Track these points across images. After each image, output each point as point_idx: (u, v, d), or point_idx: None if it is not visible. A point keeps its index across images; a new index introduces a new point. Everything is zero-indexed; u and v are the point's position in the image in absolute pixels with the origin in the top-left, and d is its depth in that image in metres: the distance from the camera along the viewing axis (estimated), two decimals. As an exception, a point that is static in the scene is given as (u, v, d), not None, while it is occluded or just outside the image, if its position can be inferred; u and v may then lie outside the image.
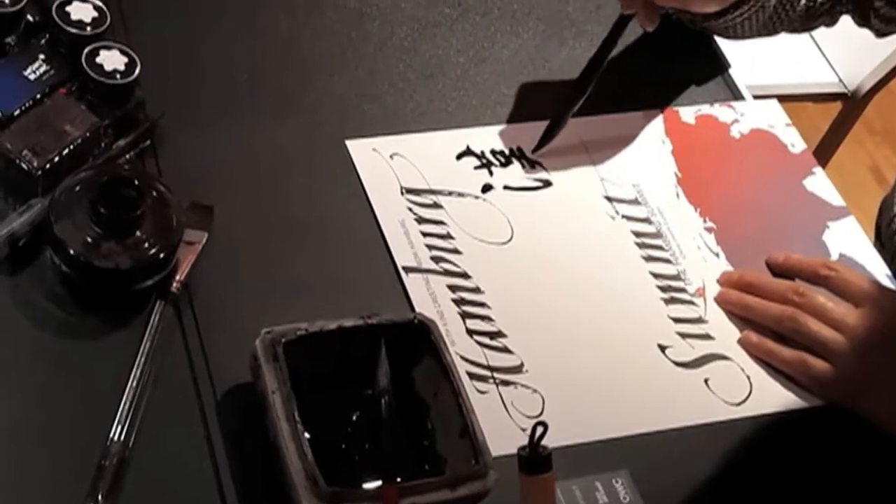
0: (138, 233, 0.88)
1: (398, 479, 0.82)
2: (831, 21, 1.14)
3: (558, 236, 1.01)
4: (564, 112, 1.04)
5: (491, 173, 1.03)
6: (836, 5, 1.11)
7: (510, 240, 1.00)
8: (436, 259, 0.97)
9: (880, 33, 1.14)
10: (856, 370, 0.94)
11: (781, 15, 1.08)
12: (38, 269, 0.89)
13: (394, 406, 0.86)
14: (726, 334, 0.98)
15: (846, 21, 1.14)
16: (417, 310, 0.93)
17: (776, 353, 0.96)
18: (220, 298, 0.91)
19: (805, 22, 1.11)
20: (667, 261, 1.02)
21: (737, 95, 1.14)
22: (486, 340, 0.93)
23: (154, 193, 0.90)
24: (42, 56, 0.95)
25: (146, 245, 0.88)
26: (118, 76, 0.93)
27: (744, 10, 1.04)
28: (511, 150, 1.05)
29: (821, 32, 1.18)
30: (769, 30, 1.10)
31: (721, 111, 1.13)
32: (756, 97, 1.15)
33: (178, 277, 0.89)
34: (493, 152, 1.05)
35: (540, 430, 0.76)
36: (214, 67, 1.05)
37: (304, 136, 1.02)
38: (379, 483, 0.82)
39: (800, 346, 0.96)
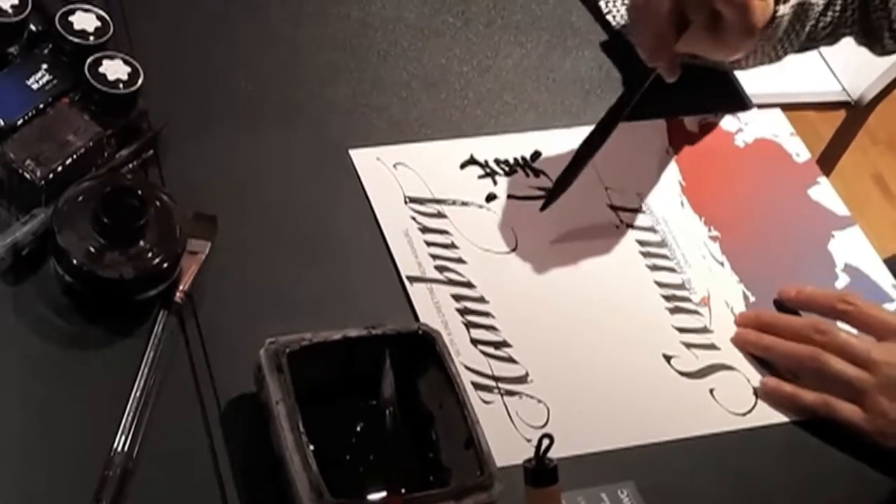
0: (141, 242, 0.88)
1: (403, 491, 0.82)
2: (833, 41, 1.14)
3: (562, 245, 1.00)
4: (575, 170, 1.00)
5: (495, 182, 1.03)
6: (840, 28, 1.11)
7: (514, 249, 0.99)
8: (440, 268, 0.96)
9: (885, 51, 1.14)
10: (884, 408, 0.92)
11: (785, 44, 1.07)
12: (42, 279, 0.89)
13: (398, 417, 0.86)
14: (731, 344, 0.98)
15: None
16: (422, 320, 0.92)
17: (798, 399, 0.94)
18: (223, 308, 0.90)
19: (806, 43, 1.11)
20: (671, 270, 1.01)
21: (741, 104, 1.14)
22: (491, 350, 0.93)
23: (157, 203, 0.89)
24: (45, 66, 0.95)
25: (149, 255, 0.88)
26: (121, 86, 0.93)
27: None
28: (515, 160, 1.05)
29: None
30: (771, 58, 1.09)
31: (725, 120, 1.13)
32: (760, 106, 1.15)
33: (181, 287, 0.89)
34: (497, 161, 1.05)
35: (546, 442, 0.76)
36: (217, 77, 1.05)
37: (307, 146, 1.02)
38: (384, 494, 0.82)
39: (823, 383, 0.94)
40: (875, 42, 1.12)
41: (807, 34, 1.08)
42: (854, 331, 0.96)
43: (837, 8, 1.09)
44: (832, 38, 1.13)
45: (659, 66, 0.99)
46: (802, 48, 1.11)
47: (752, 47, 1.00)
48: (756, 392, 0.95)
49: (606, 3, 1.17)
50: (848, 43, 1.16)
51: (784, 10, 1.02)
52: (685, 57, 1.02)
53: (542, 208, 1.00)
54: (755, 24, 0.95)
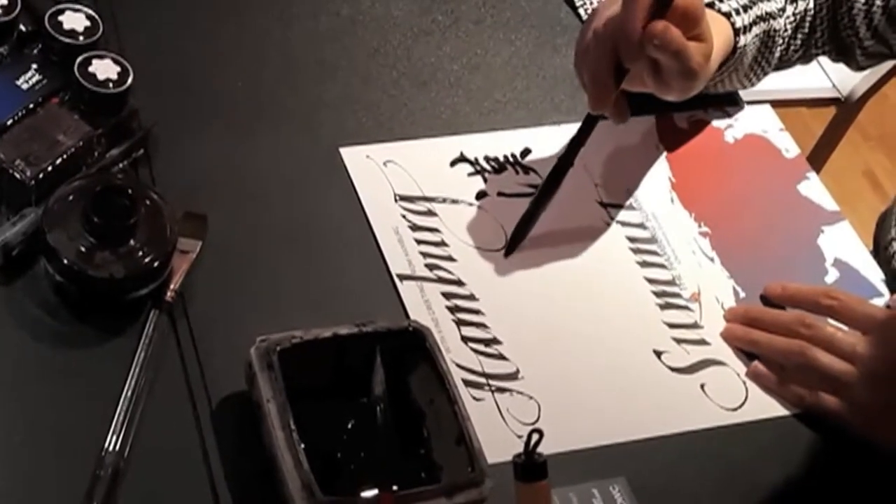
0: (132, 242, 0.88)
1: (394, 488, 0.82)
2: (806, 62, 1.15)
3: (552, 242, 1.01)
4: (535, 212, 0.99)
5: (485, 180, 1.03)
6: (811, 49, 1.12)
7: (504, 247, 0.99)
8: (430, 266, 0.96)
9: (860, 67, 1.15)
10: (868, 401, 0.92)
11: (756, 70, 1.08)
12: (32, 279, 0.89)
13: (389, 414, 0.86)
14: (721, 340, 0.98)
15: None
16: (412, 317, 0.92)
17: (785, 390, 0.95)
18: (214, 307, 0.90)
19: (779, 65, 1.12)
20: (661, 266, 1.02)
21: (731, 101, 1.14)
22: (482, 347, 0.93)
23: (147, 202, 0.90)
24: (35, 65, 0.95)
25: (140, 254, 0.88)
26: (111, 85, 0.93)
27: (715, 77, 1.04)
28: (505, 157, 1.05)
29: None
30: (744, 84, 1.10)
31: (715, 116, 1.13)
32: (749, 102, 1.15)
33: (172, 286, 0.89)
34: (487, 159, 1.05)
35: (535, 437, 0.76)
36: (208, 76, 1.05)
37: (297, 144, 1.02)
38: (375, 491, 0.82)
39: (809, 377, 0.94)
40: (850, 59, 1.14)
41: (778, 58, 1.09)
42: (843, 325, 0.96)
43: (806, 30, 1.10)
44: (805, 58, 1.14)
45: (604, 112, 0.97)
46: (777, 69, 1.12)
47: (700, 86, 0.98)
48: (747, 386, 0.96)
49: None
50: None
51: (745, 40, 1.02)
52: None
53: (506, 255, 0.99)
54: (694, 68, 0.93)
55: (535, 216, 0.99)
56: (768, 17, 1.04)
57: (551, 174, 0.99)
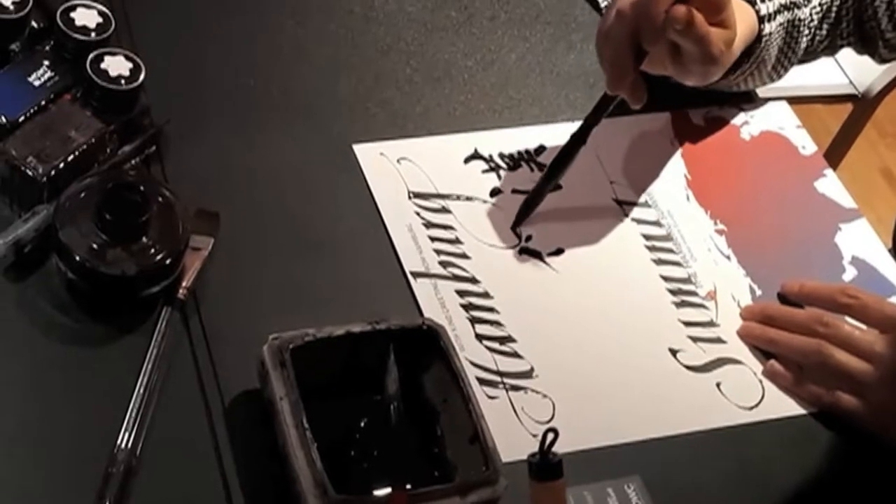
0: (144, 239, 0.87)
1: (408, 486, 0.81)
2: (832, 53, 1.14)
3: (567, 240, 1.00)
4: (543, 188, 0.99)
5: (499, 177, 1.03)
6: (837, 40, 1.11)
7: (519, 244, 0.99)
8: (444, 264, 0.96)
9: (883, 60, 1.14)
10: (886, 400, 0.91)
11: (783, 62, 1.07)
12: (44, 276, 0.89)
13: (403, 412, 0.86)
14: (738, 338, 0.97)
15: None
16: (426, 315, 0.92)
17: (802, 389, 0.94)
18: (227, 304, 0.90)
19: (805, 57, 1.11)
20: (677, 264, 1.01)
21: (747, 97, 1.13)
22: (496, 345, 0.92)
23: (160, 199, 0.89)
24: (47, 62, 0.94)
25: (152, 251, 0.87)
26: (123, 82, 0.93)
27: (744, 68, 1.03)
28: (519, 154, 1.05)
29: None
30: (772, 78, 1.09)
31: (731, 113, 1.12)
32: (766, 99, 1.14)
33: (184, 283, 0.89)
34: (502, 156, 1.04)
35: (550, 436, 0.75)
36: (220, 73, 1.05)
37: (310, 141, 1.02)
38: (388, 490, 0.81)
39: (827, 376, 0.94)
40: (873, 51, 1.13)
41: (804, 49, 1.08)
42: (861, 324, 0.95)
43: (832, 20, 1.09)
44: (830, 49, 1.13)
45: (621, 94, 0.97)
46: (802, 61, 1.11)
47: (720, 73, 0.98)
48: (763, 385, 0.95)
49: None
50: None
51: (770, 28, 1.01)
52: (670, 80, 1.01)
53: (513, 228, 0.99)
54: (714, 54, 0.93)
55: (543, 192, 0.99)
56: (793, 5, 1.03)
57: (563, 150, 0.99)
